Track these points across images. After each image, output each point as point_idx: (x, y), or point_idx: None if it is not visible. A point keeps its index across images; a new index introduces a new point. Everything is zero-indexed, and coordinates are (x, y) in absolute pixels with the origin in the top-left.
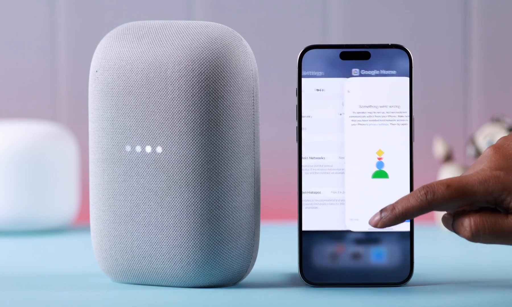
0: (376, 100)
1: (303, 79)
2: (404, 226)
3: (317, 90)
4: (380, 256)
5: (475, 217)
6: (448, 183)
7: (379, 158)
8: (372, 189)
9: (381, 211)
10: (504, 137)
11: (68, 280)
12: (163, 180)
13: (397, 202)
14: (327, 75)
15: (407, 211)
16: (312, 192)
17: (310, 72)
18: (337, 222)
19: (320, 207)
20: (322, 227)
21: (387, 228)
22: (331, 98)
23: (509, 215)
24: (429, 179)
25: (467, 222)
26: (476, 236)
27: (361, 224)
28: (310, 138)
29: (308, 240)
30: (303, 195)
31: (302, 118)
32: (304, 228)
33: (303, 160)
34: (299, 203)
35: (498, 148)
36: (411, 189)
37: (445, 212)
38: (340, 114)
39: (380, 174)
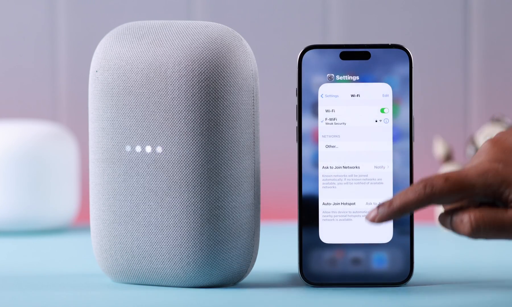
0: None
1: (333, 84)
2: (404, 226)
3: (352, 95)
4: (380, 256)
5: (475, 212)
6: (447, 177)
7: None
8: None
9: (378, 206)
10: (501, 132)
11: (68, 280)
12: (163, 180)
13: (395, 197)
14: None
15: (405, 206)
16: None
17: (344, 76)
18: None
19: (354, 219)
20: (346, 240)
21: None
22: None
23: (509, 209)
24: None
25: (467, 218)
26: (476, 232)
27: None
28: (345, 146)
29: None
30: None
31: (337, 125)
32: (324, 241)
33: (322, 170)
34: (299, 202)
35: (496, 141)
36: None
37: (441, 212)
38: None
39: None
